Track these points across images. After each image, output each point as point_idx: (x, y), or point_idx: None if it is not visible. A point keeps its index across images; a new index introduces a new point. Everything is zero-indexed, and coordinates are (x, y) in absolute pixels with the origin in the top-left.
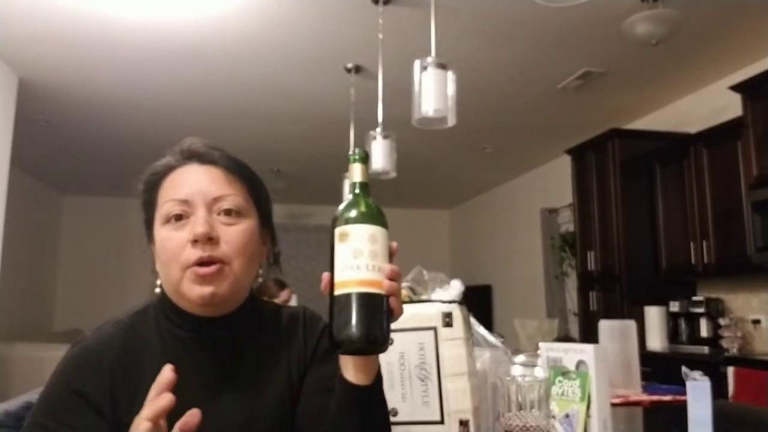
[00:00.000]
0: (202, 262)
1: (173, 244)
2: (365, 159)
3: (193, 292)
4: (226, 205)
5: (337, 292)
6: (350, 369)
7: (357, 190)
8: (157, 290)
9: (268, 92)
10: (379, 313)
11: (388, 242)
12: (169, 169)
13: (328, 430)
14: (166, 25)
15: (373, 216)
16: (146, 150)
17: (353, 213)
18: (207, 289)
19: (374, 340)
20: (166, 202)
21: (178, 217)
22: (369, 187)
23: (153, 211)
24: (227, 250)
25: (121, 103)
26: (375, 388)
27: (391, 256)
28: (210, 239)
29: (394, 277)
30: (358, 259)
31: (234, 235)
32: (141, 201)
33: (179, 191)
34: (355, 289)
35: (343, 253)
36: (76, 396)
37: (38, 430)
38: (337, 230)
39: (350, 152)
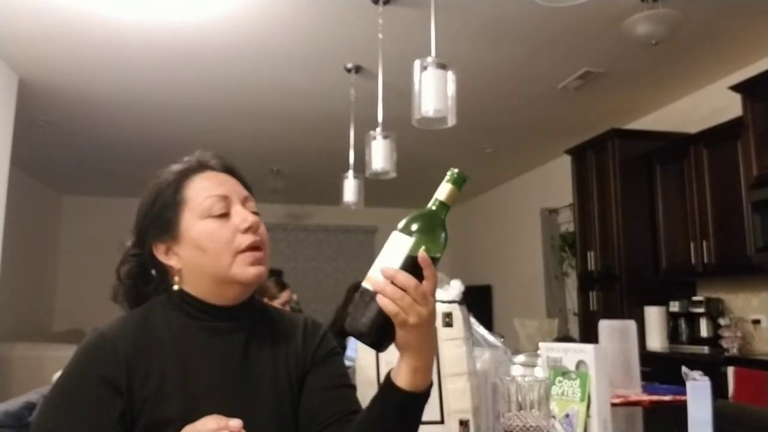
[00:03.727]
0: (255, 247)
1: (224, 233)
2: (460, 184)
3: (247, 272)
4: (252, 206)
5: None
6: (405, 375)
7: (430, 205)
8: (176, 287)
9: (268, 92)
10: (363, 306)
11: (408, 250)
12: (188, 173)
13: (360, 423)
14: (167, 25)
15: (409, 228)
16: (146, 150)
17: (402, 222)
18: (259, 269)
19: (354, 328)
20: (207, 199)
21: (223, 214)
22: (444, 207)
23: (178, 210)
24: (264, 239)
25: (121, 103)
26: (425, 397)
27: (420, 267)
28: (257, 229)
29: (391, 279)
30: (377, 258)
31: (263, 230)
32: (156, 204)
33: (218, 189)
34: (363, 282)
35: None
36: (101, 380)
37: (61, 414)
38: None
39: (451, 170)
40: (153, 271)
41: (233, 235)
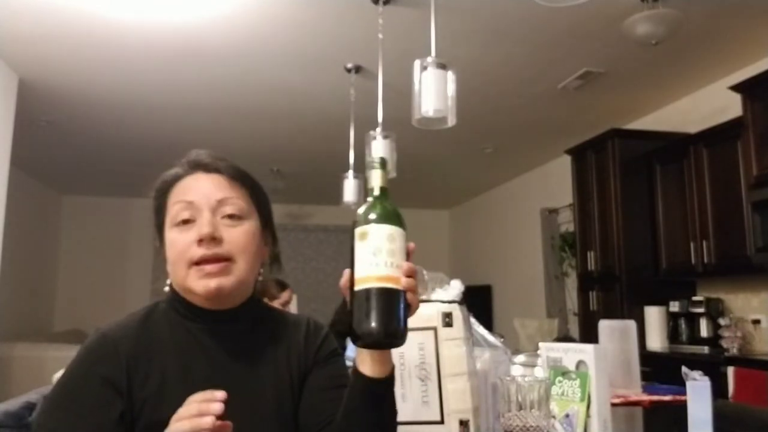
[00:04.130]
0: (206, 260)
1: (181, 244)
2: (384, 166)
3: (198, 286)
4: (229, 209)
5: (358, 287)
6: (368, 363)
7: (376, 194)
8: (166, 288)
9: (269, 92)
10: (397, 307)
11: (405, 243)
12: (177, 178)
13: (340, 421)
14: (167, 25)
15: (391, 217)
16: (146, 150)
17: (372, 214)
18: (212, 283)
19: (392, 332)
20: (174, 205)
21: (186, 221)
22: (388, 191)
23: (163, 216)
24: (231, 248)
25: (121, 102)
26: (388, 382)
27: (409, 255)
28: (214, 239)
29: (412, 274)
30: (377, 256)
31: (237, 235)
32: (152, 208)
33: (186, 195)
34: (374, 285)
35: (363, 251)
36: (102, 380)
37: (62, 414)
38: (358, 230)
39: (370, 160)
40: None
41: (189, 247)
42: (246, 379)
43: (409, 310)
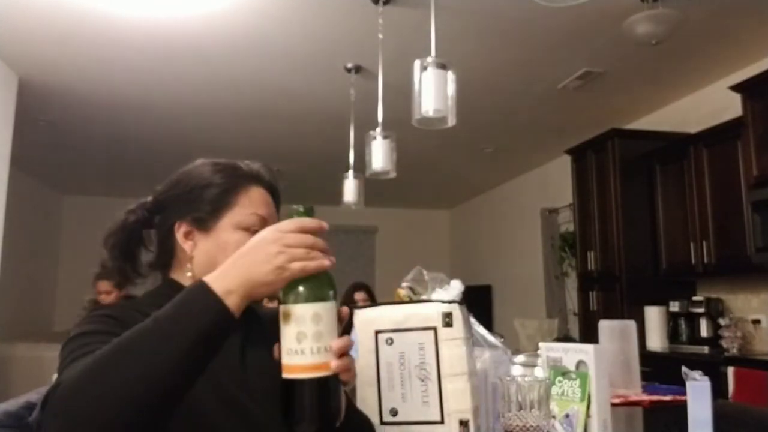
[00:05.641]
0: None
1: None
2: (311, 215)
3: None
4: None
5: (285, 375)
6: None
7: None
8: (188, 273)
9: (268, 92)
10: (327, 394)
11: (336, 313)
12: (247, 180)
13: None
14: (166, 24)
15: (316, 288)
16: (146, 150)
17: (295, 289)
18: None
19: (327, 421)
20: (250, 214)
21: (256, 232)
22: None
23: (223, 209)
24: None
25: (121, 102)
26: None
27: (341, 320)
28: None
29: (343, 352)
30: (302, 343)
31: None
32: (205, 190)
33: (261, 209)
34: (302, 375)
35: (287, 334)
36: (113, 319)
37: (87, 337)
38: (281, 308)
39: (294, 207)
40: (155, 240)
41: None
42: (243, 376)
43: (346, 385)
